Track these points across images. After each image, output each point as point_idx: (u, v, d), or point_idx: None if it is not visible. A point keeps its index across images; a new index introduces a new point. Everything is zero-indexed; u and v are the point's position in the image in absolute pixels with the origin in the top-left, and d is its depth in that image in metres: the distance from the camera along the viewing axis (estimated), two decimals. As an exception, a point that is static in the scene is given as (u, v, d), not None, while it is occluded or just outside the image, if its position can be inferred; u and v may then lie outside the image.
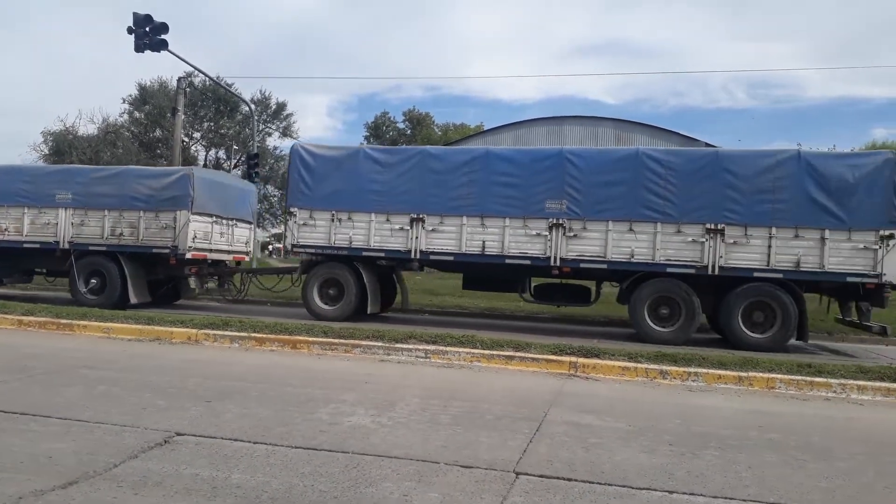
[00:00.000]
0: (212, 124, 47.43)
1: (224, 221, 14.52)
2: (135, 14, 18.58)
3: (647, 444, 4.73)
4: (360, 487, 3.58)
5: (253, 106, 33.58)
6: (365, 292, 12.24)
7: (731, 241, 10.57)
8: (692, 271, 10.69)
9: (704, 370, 7.31)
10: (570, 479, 3.86)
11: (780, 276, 10.40)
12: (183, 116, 26.74)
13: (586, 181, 11.16)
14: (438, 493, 3.54)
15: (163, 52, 19.09)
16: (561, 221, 11.18)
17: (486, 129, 41.03)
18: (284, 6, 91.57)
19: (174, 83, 29.10)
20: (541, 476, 3.91)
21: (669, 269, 10.79)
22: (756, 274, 10.49)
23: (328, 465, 3.95)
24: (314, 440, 4.47)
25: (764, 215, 10.48)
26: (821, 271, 10.29)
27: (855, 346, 12.29)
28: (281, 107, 50.30)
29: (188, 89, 30.49)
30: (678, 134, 30.49)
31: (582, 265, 11.20)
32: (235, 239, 15.12)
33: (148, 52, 18.92)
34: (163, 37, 18.84)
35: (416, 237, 11.85)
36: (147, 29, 18.66)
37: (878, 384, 6.97)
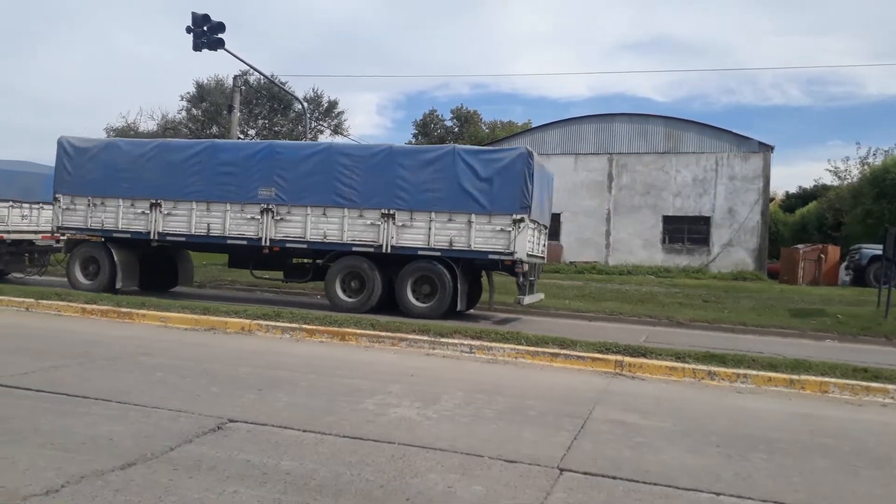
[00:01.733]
0: (266, 122, 48.47)
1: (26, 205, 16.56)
2: (193, 14, 19.16)
3: (694, 444, 4.68)
4: (406, 478, 3.66)
5: (305, 104, 34.17)
6: (130, 268, 14.02)
7: (401, 224, 12.24)
8: (371, 250, 12.35)
9: (754, 372, 7.16)
10: (614, 478, 3.86)
11: (439, 253, 12.01)
12: (239, 114, 27.43)
13: (291, 172, 12.79)
14: (482, 487, 3.59)
15: (219, 51, 19.64)
16: (270, 207, 12.85)
17: (533, 126, 40.82)
18: (334, 5, 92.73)
19: (230, 81, 29.89)
20: (585, 473, 3.92)
21: (355, 248, 12.48)
22: (420, 252, 12.12)
23: (374, 455, 4.04)
24: (361, 430, 4.57)
25: (425, 202, 12.12)
26: (469, 250, 11.91)
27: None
28: (332, 105, 51.03)
29: (244, 87, 31.23)
30: (730, 132, 29.71)
31: (287, 245, 12.87)
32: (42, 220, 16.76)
33: (205, 51, 19.51)
34: (219, 36, 19.38)
35: (155, 220, 13.54)
36: (205, 28, 19.23)
37: (940, 391, 6.71)
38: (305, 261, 13.79)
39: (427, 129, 67.85)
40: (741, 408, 6.11)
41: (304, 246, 12.78)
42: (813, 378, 6.99)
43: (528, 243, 11.85)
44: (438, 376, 6.78)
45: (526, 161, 11.74)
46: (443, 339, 8.38)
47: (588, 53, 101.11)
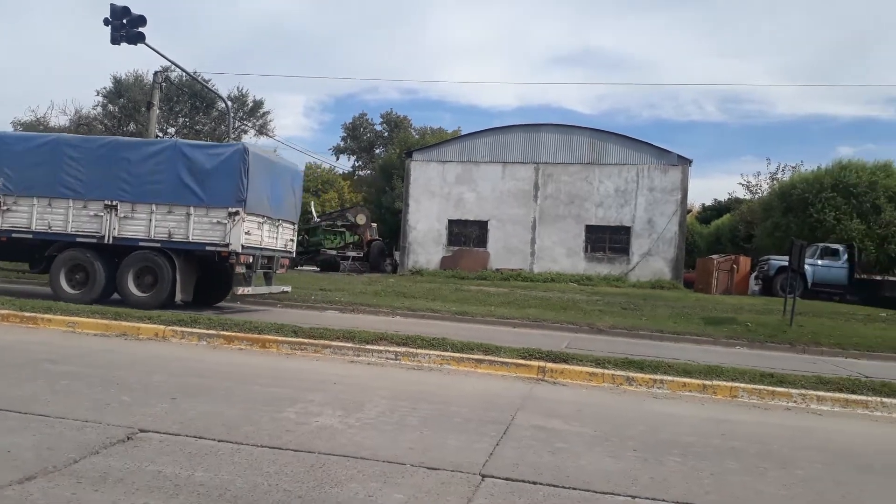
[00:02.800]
0: (187, 120, 46.88)
1: None
2: (112, 5, 18.31)
3: (612, 449, 4.80)
4: (325, 487, 3.58)
5: (230, 103, 33.21)
6: None
7: (123, 215, 12.40)
8: (94, 241, 12.42)
9: (670, 378, 7.42)
10: (535, 483, 3.90)
11: (159, 244, 12.23)
12: (158, 111, 26.37)
13: (19, 163, 12.75)
14: (403, 495, 3.55)
15: (139, 46, 18.83)
16: None
17: (463, 133, 41.19)
18: (263, 4, 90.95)
19: (150, 77, 28.72)
20: (506, 479, 3.94)
21: (79, 239, 12.51)
22: (141, 243, 12.30)
23: (294, 465, 3.93)
24: (280, 439, 4.44)
25: (147, 194, 12.32)
26: (187, 241, 12.16)
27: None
28: (258, 105, 49.93)
29: (164, 84, 30.03)
30: (651, 145, 30.91)
31: (13, 235, 12.76)
32: None
33: (124, 45, 18.67)
34: (140, 29, 18.59)
35: None
36: (124, 21, 18.40)
37: (836, 395, 7.14)
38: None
39: (356, 132, 67.33)
40: (657, 413, 6.31)
41: (30, 236, 12.73)
42: (724, 383, 7.30)
43: (246, 236, 12.20)
44: (362, 384, 6.69)
45: (242, 156, 12.10)
46: (368, 346, 8.29)
47: (518, 65, 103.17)
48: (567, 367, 7.74)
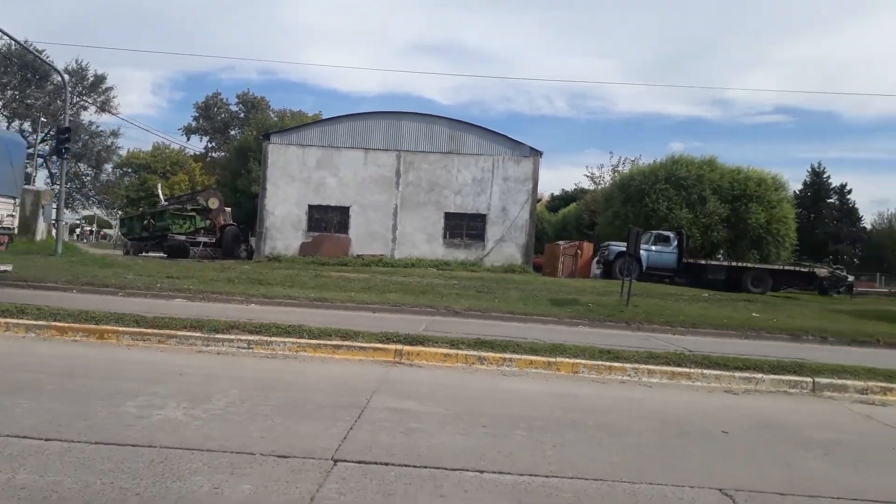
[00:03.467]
0: (17, 93, 42.15)
1: None
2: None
3: (464, 427, 4.97)
4: (167, 482, 3.41)
5: (66, 76, 30.19)
6: None
7: None
8: None
9: (518, 356, 7.80)
10: (387, 464, 3.96)
11: None
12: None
13: None
14: (252, 485, 3.47)
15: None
16: None
17: (324, 118, 40.37)
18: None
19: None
20: (359, 462, 3.96)
21: None
22: None
23: (132, 461, 3.71)
24: (118, 435, 4.17)
25: None
26: None
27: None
28: (99, 79, 46.06)
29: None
30: (505, 137, 32.13)
31: None
32: None
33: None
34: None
35: None
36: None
37: (664, 368, 7.85)
38: None
39: (209, 112, 63.90)
40: (507, 390, 6.62)
41: None
42: (567, 360, 7.79)
43: None
44: (211, 374, 6.42)
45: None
46: (218, 335, 7.95)
47: (381, 52, 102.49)
48: (423, 349, 7.89)
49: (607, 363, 7.80)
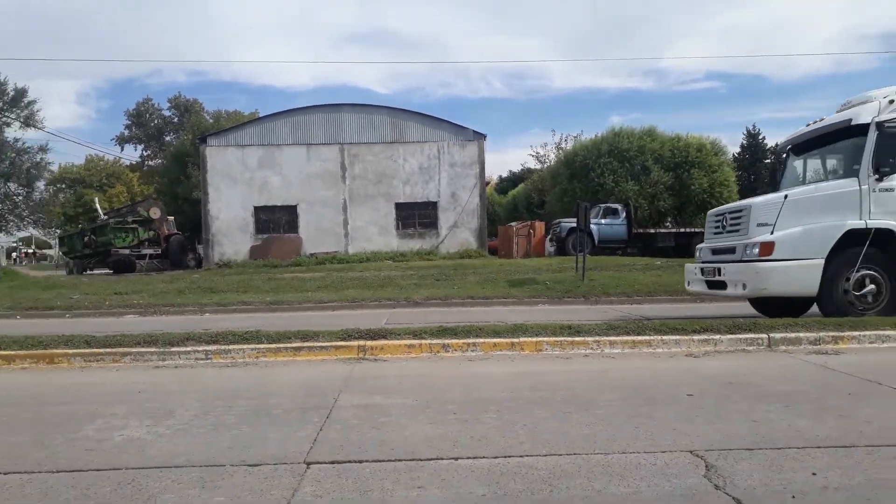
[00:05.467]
0: (-74, 112, 40.02)
1: None
2: None
3: (434, 416, 4.96)
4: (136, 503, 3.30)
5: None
6: None
7: None
8: None
9: (482, 340, 7.83)
10: (360, 461, 3.91)
11: None
12: None
13: None
14: (224, 497, 3.38)
15: None
16: None
17: (261, 115, 39.60)
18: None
19: None
20: (332, 462, 3.91)
21: None
22: None
23: (97, 486, 3.57)
24: (80, 461, 4.01)
25: None
26: None
27: None
28: (20, 93, 44.05)
29: None
30: (448, 122, 32.10)
31: None
32: None
33: None
34: None
35: None
36: None
37: (625, 338, 7.98)
38: None
39: (142, 119, 62.03)
40: (473, 374, 6.64)
41: None
42: (529, 339, 7.86)
43: None
44: (170, 389, 6.24)
45: None
46: (173, 349, 7.73)
47: (313, 44, 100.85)
48: (386, 342, 7.85)
49: (569, 338, 7.89)
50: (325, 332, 8.24)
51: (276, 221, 31.04)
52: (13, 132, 44.08)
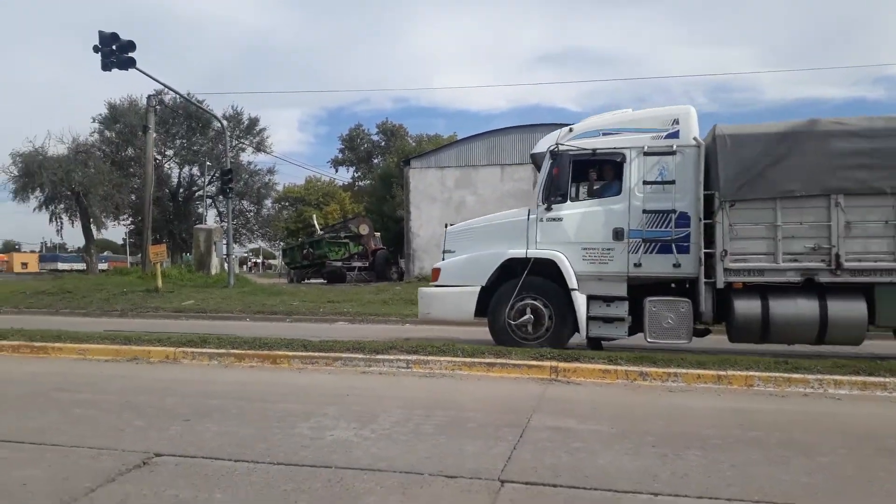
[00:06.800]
0: (184, 141, 47.11)
1: None
2: (101, 33, 18.37)
3: (631, 446, 4.74)
4: (343, 502, 3.54)
5: (225, 122, 33.29)
6: None
7: None
8: None
9: (684, 370, 7.36)
10: (554, 486, 3.85)
11: None
12: (154, 134, 26.46)
13: None
14: (423, 505, 3.52)
15: (131, 71, 18.90)
16: None
17: (458, 138, 41.19)
18: (249, 21, 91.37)
19: (144, 101, 28.82)
20: (526, 483, 3.89)
21: None
22: None
23: (310, 481, 3.90)
24: (296, 456, 4.41)
25: None
26: None
27: None
28: (253, 122, 50.16)
29: (158, 107, 30.14)
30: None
31: None
32: None
33: (117, 73, 18.76)
34: (130, 55, 18.65)
35: None
36: (114, 47, 18.46)
37: (854, 378, 7.05)
38: None
39: (353, 143, 67.45)
40: (674, 406, 6.25)
41: None
42: (739, 373, 7.22)
43: None
44: (375, 394, 6.65)
45: None
46: (378, 356, 8.25)
47: (506, 68, 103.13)
48: (579, 365, 7.68)
49: (786, 374, 7.14)
50: (518, 351, 8.28)
51: (470, 239, 32.05)
52: (247, 156, 50.38)
